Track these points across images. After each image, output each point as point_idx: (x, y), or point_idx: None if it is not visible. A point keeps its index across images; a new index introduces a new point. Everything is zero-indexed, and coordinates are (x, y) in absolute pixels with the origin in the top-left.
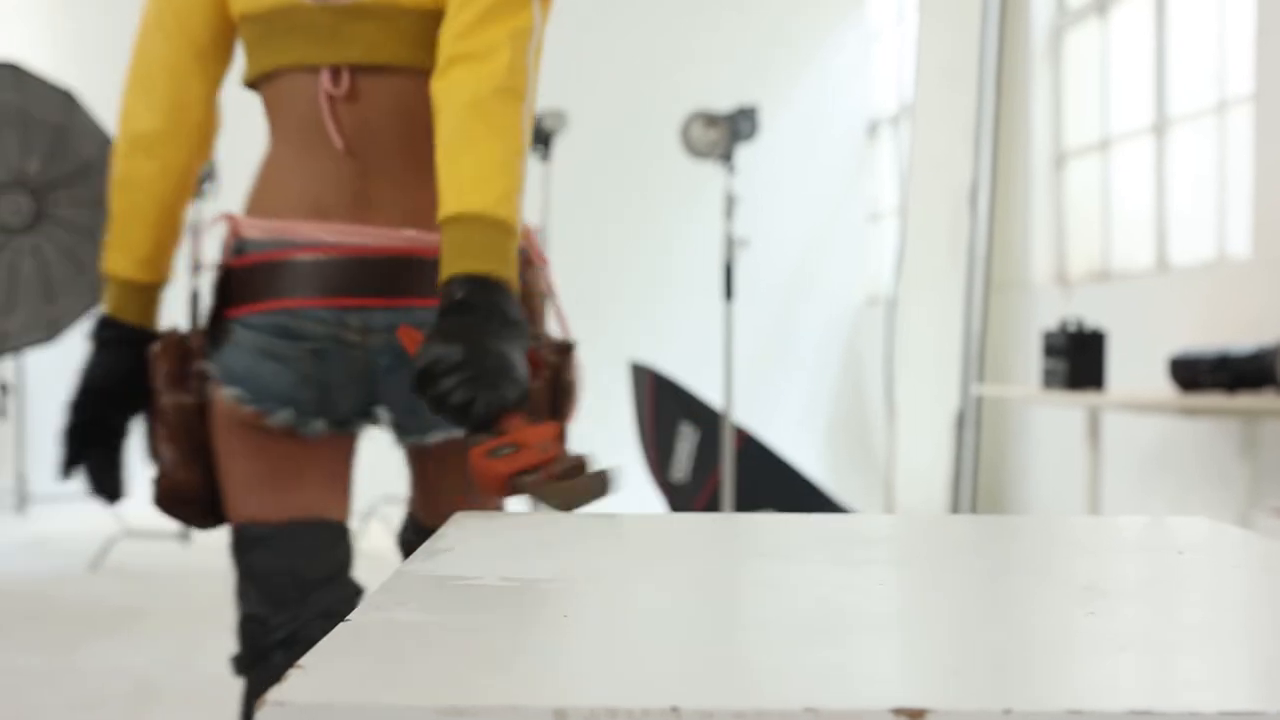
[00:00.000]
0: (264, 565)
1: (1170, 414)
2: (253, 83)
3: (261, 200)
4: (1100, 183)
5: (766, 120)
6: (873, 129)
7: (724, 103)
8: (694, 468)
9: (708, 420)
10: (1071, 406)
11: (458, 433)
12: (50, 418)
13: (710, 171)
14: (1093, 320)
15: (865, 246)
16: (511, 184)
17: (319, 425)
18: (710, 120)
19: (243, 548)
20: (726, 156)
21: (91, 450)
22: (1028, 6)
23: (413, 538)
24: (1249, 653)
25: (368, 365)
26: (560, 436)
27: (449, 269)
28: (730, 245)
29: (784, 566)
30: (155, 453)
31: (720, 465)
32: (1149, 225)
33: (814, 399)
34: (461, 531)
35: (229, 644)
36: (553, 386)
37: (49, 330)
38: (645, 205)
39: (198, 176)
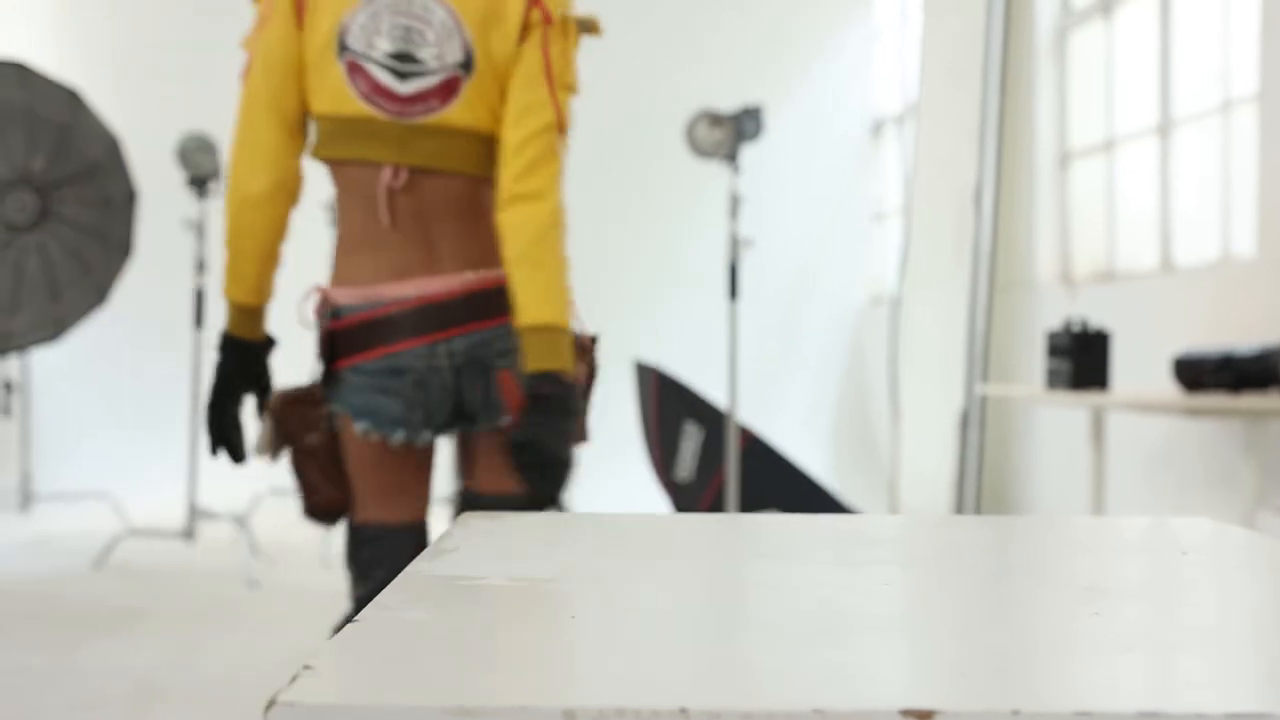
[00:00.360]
0: (383, 553)
1: (1174, 414)
2: (323, 159)
3: (346, 271)
4: (1105, 183)
5: (771, 120)
6: (877, 128)
7: (729, 102)
8: (698, 467)
9: (712, 420)
10: (1076, 406)
11: (500, 423)
12: (55, 417)
13: (715, 171)
14: (1097, 320)
15: (870, 246)
16: (566, 298)
17: (427, 435)
18: (715, 120)
19: (368, 539)
20: (731, 156)
21: (226, 434)
22: (1032, 6)
23: (461, 504)
24: (1254, 653)
25: (454, 380)
26: None
27: (534, 364)
28: (735, 245)
29: (790, 567)
30: (306, 479)
31: (724, 465)
32: (1153, 225)
33: (818, 399)
34: (467, 532)
35: (231, 644)
36: (589, 366)
37: (54, 329)
38: (650, 205)
39: (289, 215)
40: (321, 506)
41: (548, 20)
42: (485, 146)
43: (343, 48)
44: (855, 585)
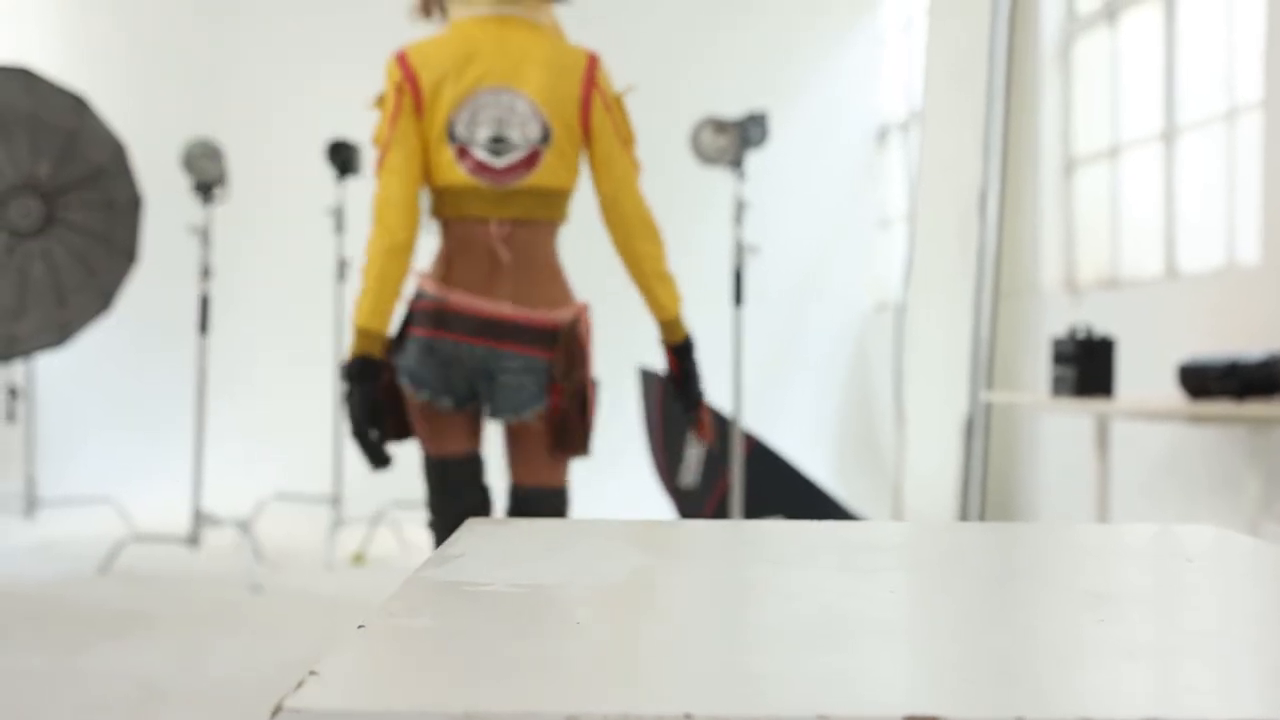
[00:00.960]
0: (438, 474)
1: (1179, 421)
2: (439, 215)
3: (438, 272)
4: (1110, 189)
5: (776, 126)
6: (882, 135)
7: (734, 109)
8: (703, 473)
9: (716, 426)
10: (1080, 413)
11: (526, 416)
12: (60, 422)
13: (720, 177)
14: (1102, 327)
15: (874, 252)
16: (678, 300)
17: (446, 401)
18: (720, 126)
19: (428, 465)
20: (736, 162)
21: (376, 447)
22: (1037, 13)
23: (510, 499)
24: (1258, 661)
25: (473, 373)
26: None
27: (680, 336)
28: (739, 251)
29: (794, 573)
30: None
31: (729, 471)
32: (1158, 232)
33: (822, 405)
34: (472, 538)
35: (234, 648)
36: (589, 404)
37: (59, 334)
38: (655, 211)
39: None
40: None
41: (608, 106)
42: (560, 199)
43: (451, 136)
44: (860, 591)
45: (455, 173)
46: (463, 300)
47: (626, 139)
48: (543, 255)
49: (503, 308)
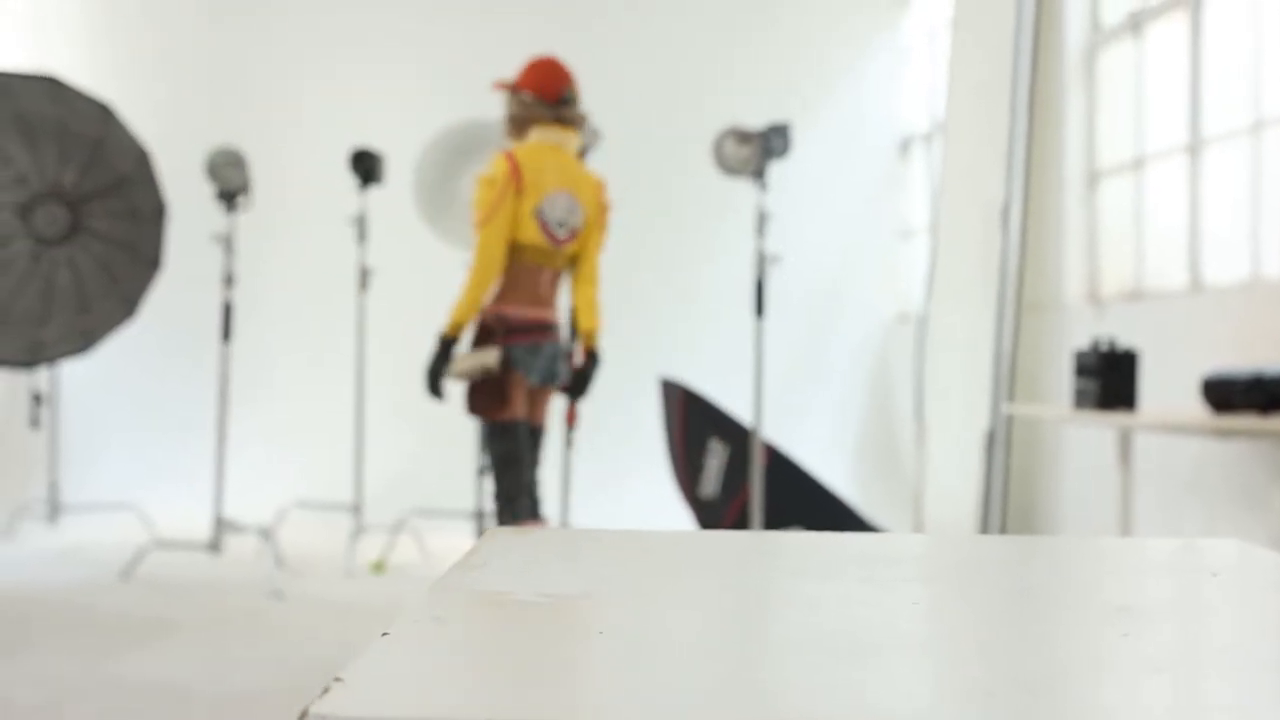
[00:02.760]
0: (519, 433)
1: (1203, 435)
2: (516, 259)
3: (509, 297)
4: (1134, 202)
5: (798, 137)
6: (905, 146)
7: (756, 120)
8: (723, 484)
9: (737, 437)
10: (1103, 427)
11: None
12: (83, 428)
13: (742, 188)
14: (1125, 340)
15: (896, 264)
16: (599, 326)
17: (536, 379)
18: (743, 137)
19: (510, 427)
20: (758, 173)
21: (438, 387)
22: (1061, 24)
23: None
24: None
25: (548, 361)
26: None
27: (592, 345)
28: (761, 261)
29: (816, 585)
30: (480, 395)
31: (749, 482)
32: (1182, 245)
33: (843, 416)
34: (494, 546)
35: (256, 655)
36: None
37: (83, 341)
38: (677, 221)
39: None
40: (479, 408)
41: (604, 211)
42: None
43: (537, 214)
44: (883, 603)
45: (538, 237)
46: (536, 313)
47: (604, 228)
48: (560, 283)
49: (545, 312)
